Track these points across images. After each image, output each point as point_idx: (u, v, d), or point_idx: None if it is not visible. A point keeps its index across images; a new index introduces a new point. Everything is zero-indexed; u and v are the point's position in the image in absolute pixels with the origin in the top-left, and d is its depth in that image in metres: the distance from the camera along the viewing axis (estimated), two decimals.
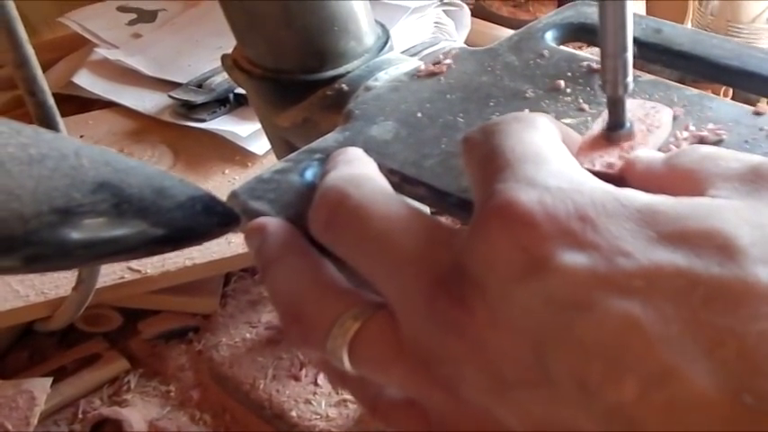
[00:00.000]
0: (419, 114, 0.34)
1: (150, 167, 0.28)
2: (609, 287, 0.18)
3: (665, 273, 0.18)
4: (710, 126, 0.30)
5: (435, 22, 0.76)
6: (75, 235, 0.27)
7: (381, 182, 0.25)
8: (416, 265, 0.21)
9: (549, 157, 0.22)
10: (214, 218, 0.29)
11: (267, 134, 0.45)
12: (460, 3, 0.79)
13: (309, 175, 0.33)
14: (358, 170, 0.26)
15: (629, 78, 0.25)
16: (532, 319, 0.19)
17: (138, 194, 0.27)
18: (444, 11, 0.77)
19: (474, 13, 0.82)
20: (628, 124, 0.27)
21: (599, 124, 0.28)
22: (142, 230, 0.28)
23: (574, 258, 0.19)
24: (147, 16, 0.91)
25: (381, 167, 0.33)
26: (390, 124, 0.34)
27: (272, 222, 0.28)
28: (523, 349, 0.19)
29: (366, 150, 0.34)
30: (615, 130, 0.27)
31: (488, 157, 0.22)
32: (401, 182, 0.33)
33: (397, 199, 0.24)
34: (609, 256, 0.18)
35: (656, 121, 0.28)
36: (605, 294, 0.18)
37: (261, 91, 0.41)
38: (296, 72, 0.39)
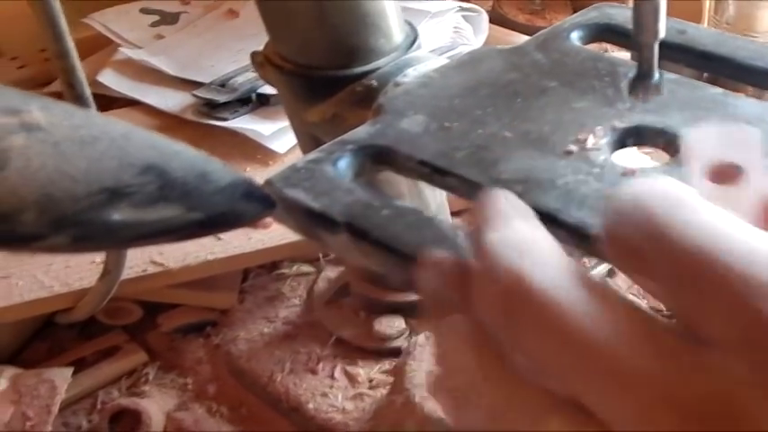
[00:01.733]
0: (448, 109, 0.36)
1: (194, 151, 0.29)
2: None
3: None
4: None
5: (454, 27, 0.77)
6: (122, 216, 0.28)
7: (552, 246, 0.21)
8: (648, 387, 0.18)
9: (757, 242, 0.18)
10: (253, 203, 0.30)
11: (295, 130, 0.47)
12: (479, 9, 0.80)
13: (342, 165, 0.35)
14: (521, 232, 0.22)
15: (661, 24, 0.25)
16: None
17: (182, 178, 0.28)
18: (463, 16, 0.79)
19: (491, 20, 0.83)
20: (656, 75, 0.27)
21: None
22: (184, 213, 0.29)
23: None
24: (169, 18, 0.92)
25: (412, 159, 0.34)
26: (420, 118, 0.36)
27: (455, 265, 0.23)
28: None
29: (397, 142, 0.35)
30: (644, 81, 0.27)
31: (691, 267, 0.18)
32: (432, 173, 0.34)
33: (584, 277, 0.20)
34: None
35: (750, 148, 0.25)
36: None
37: (292, 86, 0.42)
38: (327, 68, 0.40)
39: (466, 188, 0.32)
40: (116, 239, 0.28)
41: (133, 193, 0.27)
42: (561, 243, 0.30)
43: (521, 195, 0.31)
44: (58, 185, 0.26)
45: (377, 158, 0.35)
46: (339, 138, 0.36)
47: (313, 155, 0.35)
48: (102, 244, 0.28)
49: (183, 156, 0.28)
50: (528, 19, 0.88)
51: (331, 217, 0.31)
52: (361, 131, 0.36)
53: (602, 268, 0.52)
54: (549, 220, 0.30)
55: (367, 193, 0.32)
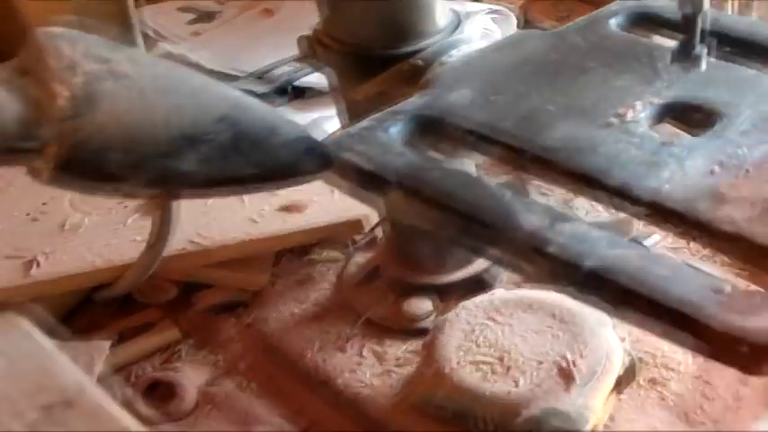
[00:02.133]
0: (494, 84, 0.38)
1: (264, 105, 0.32)
2: None
3: None
4: None
5: (483, 28, 0.79)
6: (196, 162, 0.30)
7: None
8: None
9: None
10: (314, 159, 0.33)
11: (342, 110, 0.49)
12: (508, 11, 0.83)
13: (393, 132, 0.37)
14: None
15: None
16: None
17: (253, 130, 0.30)
18: (492, 18, 0.81)
19: (518, 25, 0.86)
20: (698, 47, 0.29)
21: None
22: (252, 164, 0.31)
23: None
24: (205, 17, 0.96)
25: (459, 128, 0.37)
26: (467, 91, 0.38)
27: None
28: None
29: (445, 113, 0.37)
30: (686, 51, 0.29)
31: None
32: (477, 141, 0.36)
33: None
34: None
35: None
36: None
37: (342, 65, 0.45)
38: (376, 47, 0.43)
39: (510, 154, 0.35)
40: (189, 184, 0.31)
41: (208, 140, 0.30)
42: (604, 206, 0.32)
43: (565, 160, 0.33)
44: (141, 130, 0.29)
45: (425, 127, 0.37)
46: (389, 108, 0.38)
47: (365, 122, 0.37)
48: (178, 186, 0.31)
49: (255, 109, 0.31)
50: (554, 25, 0.90)
51: (385, 176, 0.34)
52: (411, 103, 0.38)
53: (653, 239, 0.51)
54: (594, 181, 0.32)
55: (417, 156, 0.34)
